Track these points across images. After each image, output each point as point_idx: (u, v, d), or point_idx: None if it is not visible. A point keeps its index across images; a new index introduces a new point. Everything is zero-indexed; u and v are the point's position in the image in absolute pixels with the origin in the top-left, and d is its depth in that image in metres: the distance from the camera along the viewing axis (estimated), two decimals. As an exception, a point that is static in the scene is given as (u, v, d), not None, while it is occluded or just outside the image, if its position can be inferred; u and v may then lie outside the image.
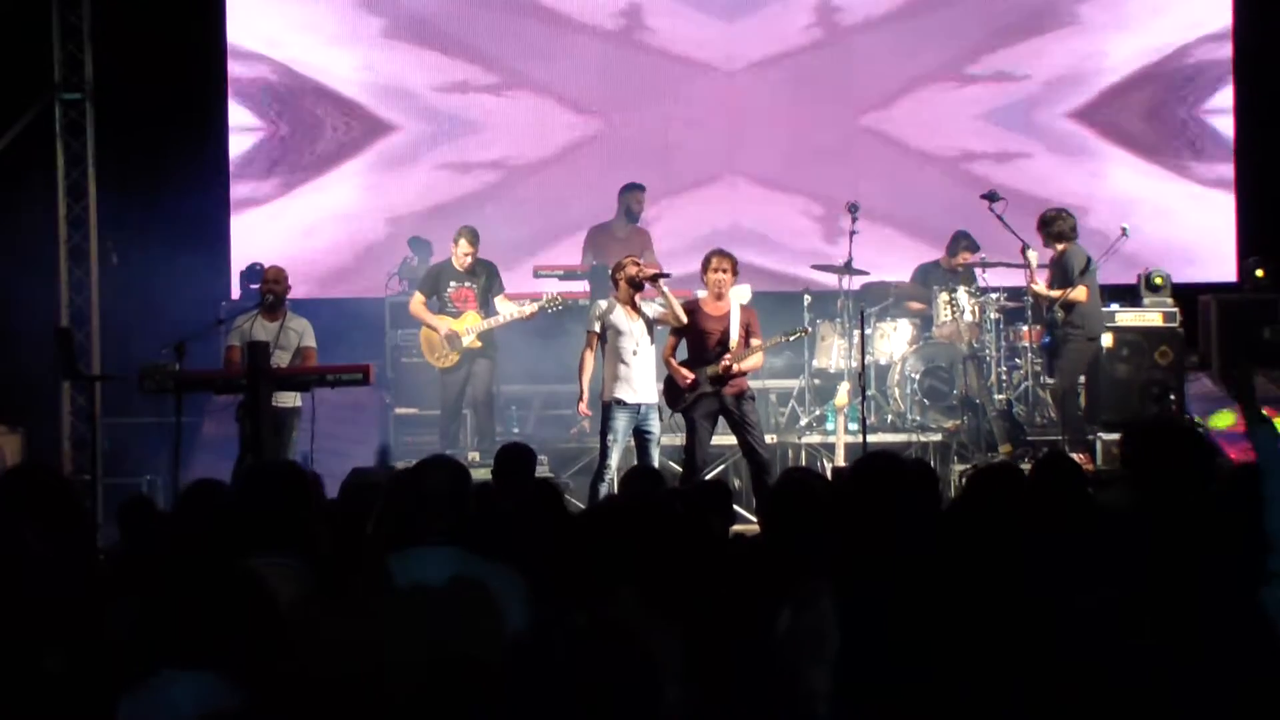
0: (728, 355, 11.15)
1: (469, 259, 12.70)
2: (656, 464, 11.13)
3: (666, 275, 11.23)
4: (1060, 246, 12.54)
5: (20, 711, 3.67)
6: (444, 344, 12.64)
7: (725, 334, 11.25)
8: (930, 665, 3.48)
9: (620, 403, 11.05)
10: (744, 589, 4.57)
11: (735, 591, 4.53)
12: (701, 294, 11.56)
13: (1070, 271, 12.42)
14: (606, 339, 11.12)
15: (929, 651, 3.49)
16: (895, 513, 4.54)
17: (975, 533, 4.60)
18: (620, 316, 11.09)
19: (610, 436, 11.06)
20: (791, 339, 11.89)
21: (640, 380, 11.11)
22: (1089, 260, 12.47)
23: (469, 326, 12.58)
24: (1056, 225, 12.56)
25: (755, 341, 11.31)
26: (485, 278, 12.77)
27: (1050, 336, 12.68)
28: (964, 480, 5.27)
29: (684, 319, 11.15)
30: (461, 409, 12.98)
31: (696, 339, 11.33)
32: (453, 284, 12.73)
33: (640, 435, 11.17)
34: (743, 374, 11.32)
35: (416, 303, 12.88)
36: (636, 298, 11.15)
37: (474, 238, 12.75)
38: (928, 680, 3.47)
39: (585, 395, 11.25)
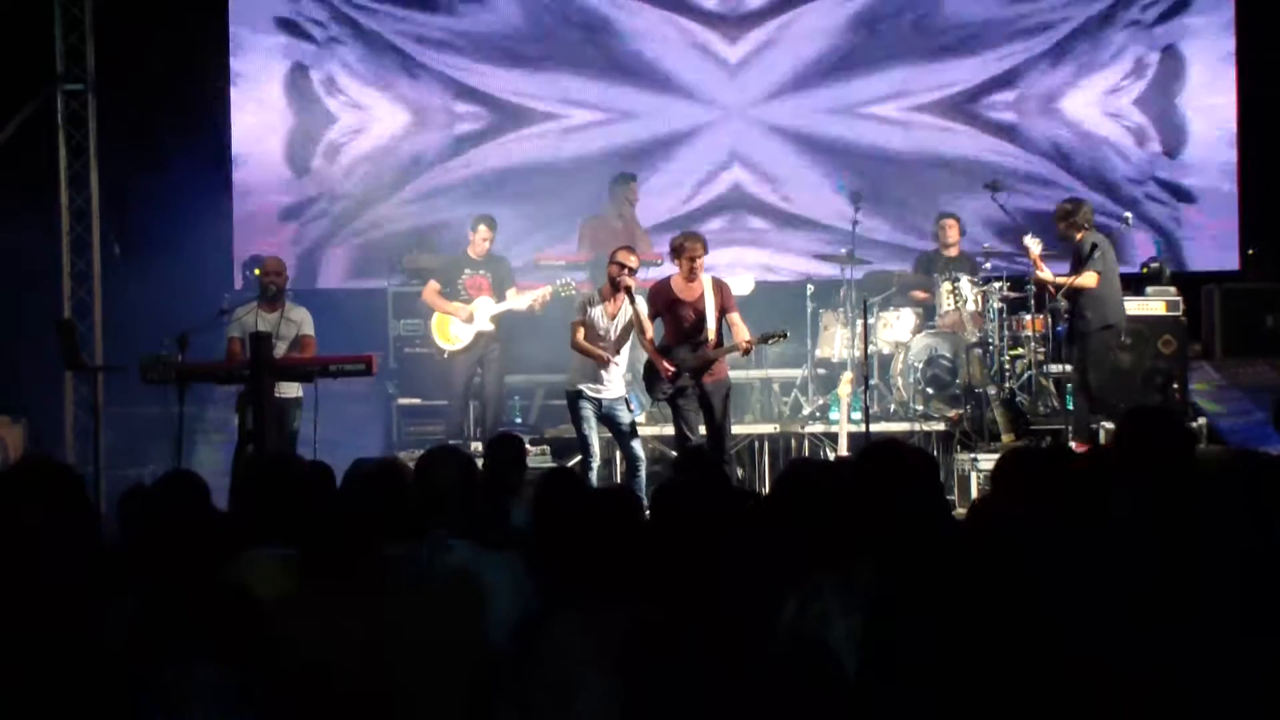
0: (750, 339, 11.10)
1: (487, 244, 12.89)
2: (642, 453, 11.27)
3: (632, 299, 11.13)
4: (1078, 236, 12.39)
5: (22, 704, 3.67)
6: (459, 323, 12.68)
7: (702, 315, 11.21)
8: (939, 652, 3.48)
9: (581, 394, 11.13)
10: (751, 579, 4.56)
11: (743, 582, 4.52)
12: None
13: (1083, 258, 12.29)
14: (584, 330, 11.16)
15: (938, 638, 3.48)
16: (898, 500, 4.53)
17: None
18: (599, 313, 11.16)
19: (585, 426, 11.18)
20: (770, 343, 11.67)
21: (604, 376, 11.16)
22: (1094, 246, 12.35)
23: (484, 309, 12.64)
24: (1074, 215, 12.39)
25: (734, 317, 11.22)
26: (499, 269, 12.86)
27: (1065, 326, 12.55)
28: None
29: (649, 332, 11.15)
30: (469, 397, 12.98)
31: (673, 322, 11.30)
32: (467, 271, 12.86)
33: (612, 426, 11.26)
34: (723, 358, 11.29)
35: (430, 290, 12.93)
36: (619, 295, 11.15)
37: (493, 224, 12.97)
38: (937, 666, 3.46)
39: (604, 353, 11.19)
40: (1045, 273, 12.41)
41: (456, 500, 4.81)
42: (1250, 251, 15.23)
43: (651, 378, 11.36)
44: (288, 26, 15.62)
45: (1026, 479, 4.82)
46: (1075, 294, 12.15)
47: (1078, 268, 12.24)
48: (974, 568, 3.63)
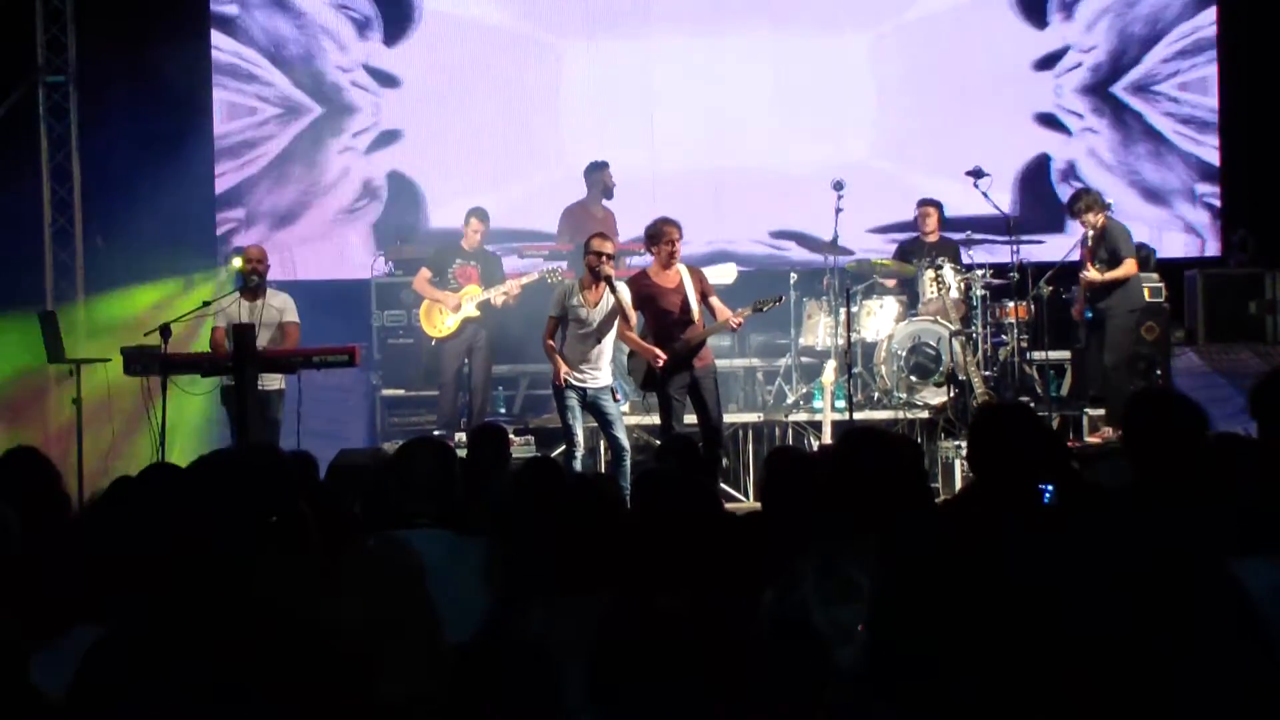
0: (742, 311, 11.08)
1: (479, 235, 13.01)
2: (627, 442, 11.20)
3: (613, 288, 11.04)
4: (1102, 221, 12.41)
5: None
6: (446, 310, 12.74)
7: (685, 302, 11.16)
8: (922, 639, 3.47)
9: (565, 383, 11.06)
10: (737, 568, 4.56)
11: (730, 571, 4.53)
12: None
13: (1118, 246, 12.30)
14: (566, 321, 11.11)
15: (922, 627, 3.48)
16: (881, 488, 4.54)
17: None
18: (579, 302, 11.08)
19: (569, 415, 11.10)
20: (765, 309, 11.49)
21: (590, 365, 11.09)
22: (1127, 232, 12.42)
23: (471, 295, 12.69)
24: (1097, 203, 12.43)
25: (714, 301, 11.23)
26: (489, 262, 12.99)
27: (1092, 311, 12.52)
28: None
29: (632, 319, 11.06)
30: (459, 385, 12.97)
31: (658, 313, 11.18)
32: (458, 261, 12.97)
33: (598, 416, 11.20)
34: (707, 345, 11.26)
35: (421, 279, 13.01)
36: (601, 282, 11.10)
37: (485, 217, 13.08)
38: (920, 655, 3.46)
39: (563, 365, 11.10)
40: (1092, 271, 12.36)
41: (434, 491, 4.81)
42: (1234, 240, 15.23)
43: (640, 370, 11.28)
44: (267, 18, 15.60)
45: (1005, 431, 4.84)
46: (1121, 281, 12.28)
47: (1115, 255, 12.24)
48: (969, 560, 3.61)
